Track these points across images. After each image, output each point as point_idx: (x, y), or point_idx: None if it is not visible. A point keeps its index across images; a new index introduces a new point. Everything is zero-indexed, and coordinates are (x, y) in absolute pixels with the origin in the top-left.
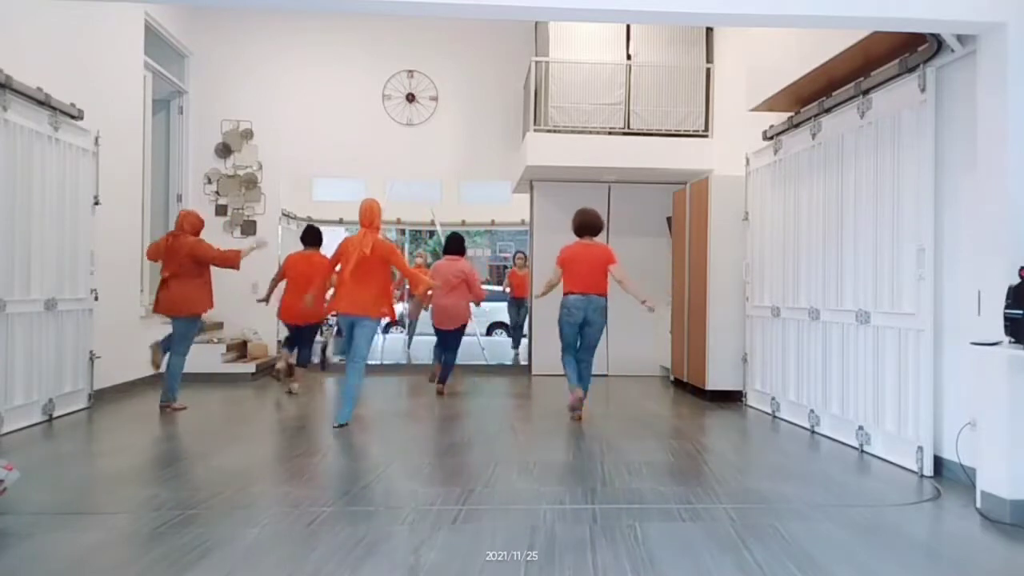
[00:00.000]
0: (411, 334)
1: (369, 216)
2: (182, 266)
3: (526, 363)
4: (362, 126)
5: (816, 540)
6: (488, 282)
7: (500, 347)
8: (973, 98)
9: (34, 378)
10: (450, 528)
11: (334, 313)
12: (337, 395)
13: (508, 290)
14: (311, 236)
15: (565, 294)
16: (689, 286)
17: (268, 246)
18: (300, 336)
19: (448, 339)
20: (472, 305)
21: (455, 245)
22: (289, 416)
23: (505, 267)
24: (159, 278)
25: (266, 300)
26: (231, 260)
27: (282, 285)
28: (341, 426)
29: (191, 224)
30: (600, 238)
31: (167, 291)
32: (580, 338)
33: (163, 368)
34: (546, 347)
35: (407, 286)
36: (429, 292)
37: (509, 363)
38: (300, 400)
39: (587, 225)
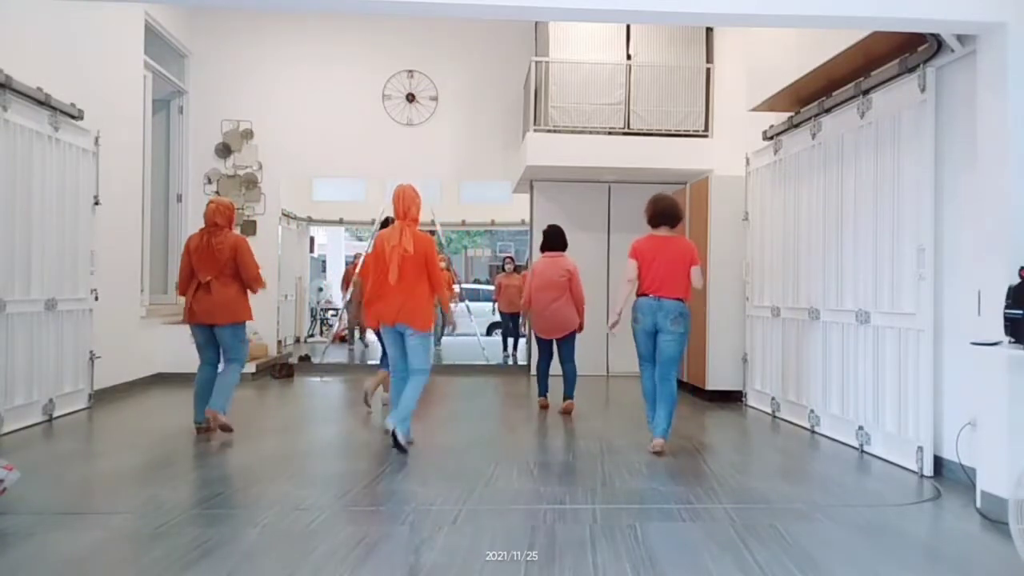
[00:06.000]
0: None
1: (404, 205)
2: (226, 266)
3: (524, 363)
4: (362, 126)
5: (816, 540)
6: (489, 282)
7: (500, 347)
8: (973, 98)
9: (34, 378)
10: (450, 528)
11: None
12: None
13: (495, 302)
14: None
15: (637, 295)
16: None
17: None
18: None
19: (560, 349)
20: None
21: (559, 239)
22: (289, 416)
23: (504, 268)
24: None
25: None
26: (258, 283)
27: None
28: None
29: (225, 216)
30: (600, 238)
31: (208, 295)
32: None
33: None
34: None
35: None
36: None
37: (510, 363)
38: (300, 402)
39: (664, 213)
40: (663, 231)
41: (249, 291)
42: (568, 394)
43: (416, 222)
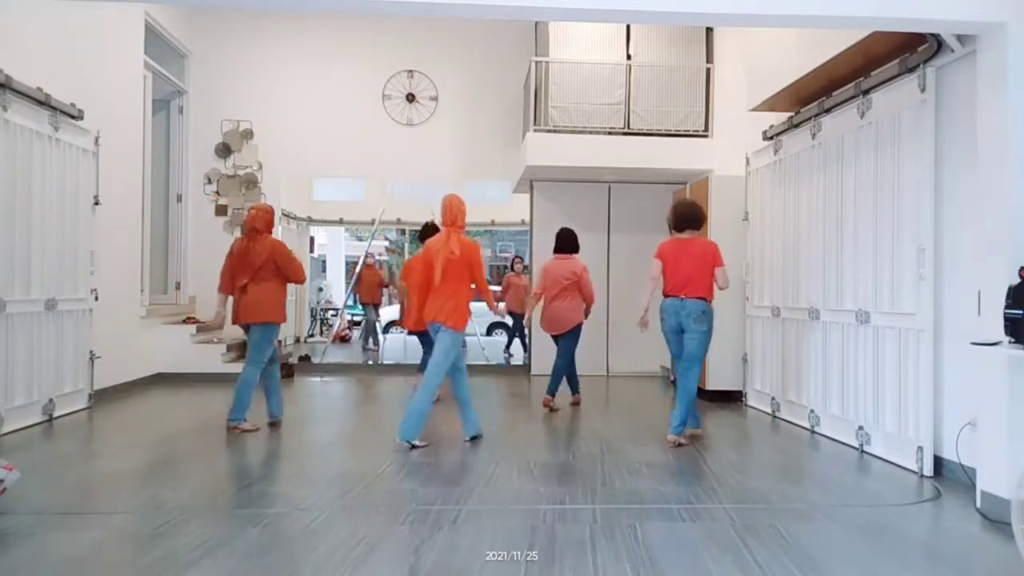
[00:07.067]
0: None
1: (451, 214)
2: (262, 269)
3: (524, 363)
4: (362, 126)
5: (816, 540)
6: (489, 282)
7: (501, 347)
8: (973, 98)
9: (34, 378)
10: (450, 528)
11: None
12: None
13: (503, 301)
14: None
15: (664, 296)
16: None
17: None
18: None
19: (559, 345)
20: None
21: (568, 242)
22: (289, 417)
23: (505, 268)
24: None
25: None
26: (301, 275)
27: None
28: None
29: (263, 220)
30: (600, 238)
31: (245, 296)
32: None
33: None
34: (545, 347)
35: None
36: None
37: (513, 363)
38: (300, 402)
39: (684, 217)
40: (687, 234)
41: (296, 284)
42: (550, 390)
43: (463, 229)
